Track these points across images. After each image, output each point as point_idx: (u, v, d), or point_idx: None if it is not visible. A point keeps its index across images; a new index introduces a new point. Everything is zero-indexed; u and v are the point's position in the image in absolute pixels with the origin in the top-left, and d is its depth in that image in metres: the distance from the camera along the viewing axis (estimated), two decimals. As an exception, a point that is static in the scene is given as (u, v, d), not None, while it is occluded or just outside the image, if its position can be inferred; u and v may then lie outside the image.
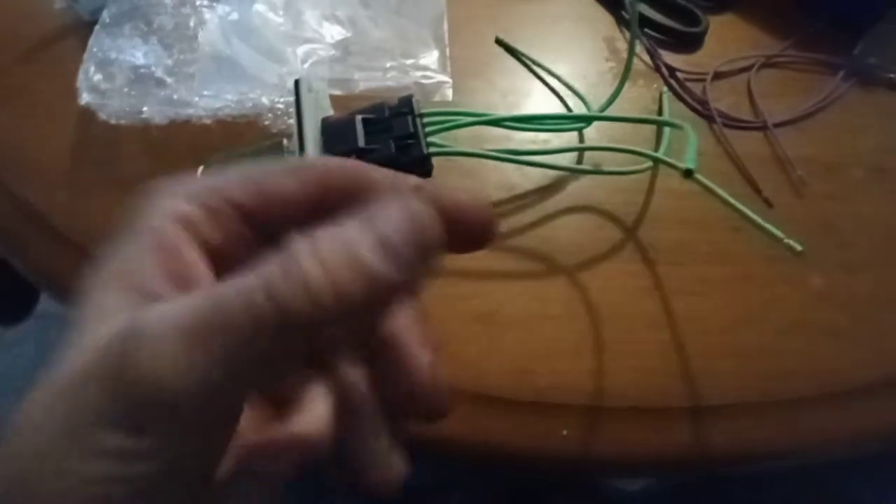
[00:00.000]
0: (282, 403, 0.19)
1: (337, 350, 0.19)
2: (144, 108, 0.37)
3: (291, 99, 0.34)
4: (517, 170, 0.38)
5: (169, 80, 0.38)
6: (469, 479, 0.49)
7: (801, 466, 0.35)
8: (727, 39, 0.47)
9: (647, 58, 0.45)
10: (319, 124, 0.33)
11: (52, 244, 0.34)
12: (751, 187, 0.39)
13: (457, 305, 0.33)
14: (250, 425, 0.19)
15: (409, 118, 0.33)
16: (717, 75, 0.44)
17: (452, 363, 0.31)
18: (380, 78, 0.41)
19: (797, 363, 0.33)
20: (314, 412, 0.18)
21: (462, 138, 0.36)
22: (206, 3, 0.42)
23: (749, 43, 0.46)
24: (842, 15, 0.47)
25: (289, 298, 0.13)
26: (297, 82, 0.34)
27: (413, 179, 0.17)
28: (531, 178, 0.38)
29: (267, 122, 0.38)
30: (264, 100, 0.38)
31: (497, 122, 0.36)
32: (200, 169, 0.35)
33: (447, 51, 0.43)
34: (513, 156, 0.35)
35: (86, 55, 0.38)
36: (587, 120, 0.40)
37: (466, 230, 0.18)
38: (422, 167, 0.32)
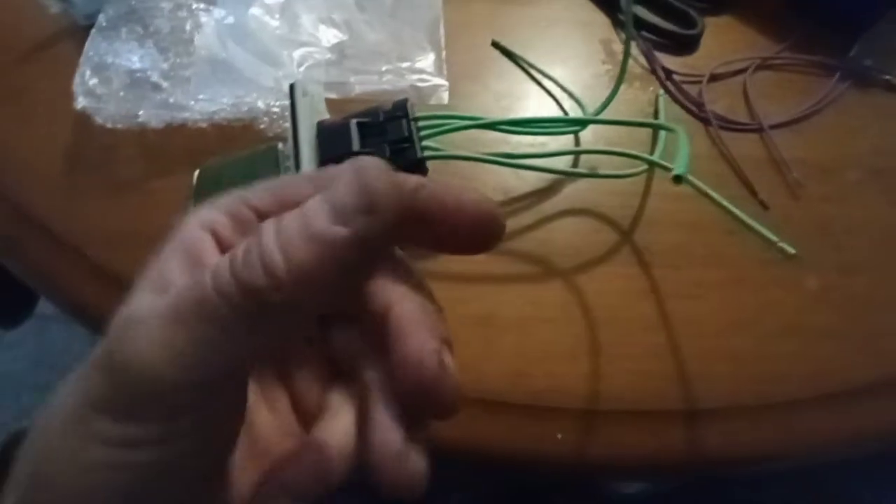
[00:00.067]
0: (307, 415, 0.20)
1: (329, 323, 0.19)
2: (140, 112, 0.37)
3: (287, 102, 0.34)
4: (513, 173, 0.38)
5: (165, 83, 0.38)
6: (469, 479, 0.49)
7: (801, 467, 0.35)
8: (723, 42, 0.47)
9: (643, 60, 0.45)
10: (315, 128, 0.33)
11: (49, 247, 0.34)
12: (747, 189, 0.39)
13: (453, 309, 0.33)
14: (274, 435, 0.19)
15: (404, 122, 0.33)
16: (713, 77, 0.44)
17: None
18: (376, 81, 0.41)
19: (793, 366, 0.33)
20: (339, 421, 0.19)
21: (458, 142, 0.36)
22: (202, 6, 0.42)
23: (745, 45, 0.47)
24: (838, 17, 0.47)
25: (245, 272, 0.14)
26: (292, 86, 0.34)
27: (416, 178, 0.17)
28: (527, 181, 0.38)
29: (262, 126, 0.38)
30: (260, 103, 0.38)
31: (493, 126, 0.36)
32: (196, 173, 0.35)
33: (443, 54, 0.43)
34: (509, 159, 0.35)
35: (82, 59, 0.38)
36: (583, 123, 0.40)
37: (468, 229, 0.18)
38: (416, 171, 0.32)
